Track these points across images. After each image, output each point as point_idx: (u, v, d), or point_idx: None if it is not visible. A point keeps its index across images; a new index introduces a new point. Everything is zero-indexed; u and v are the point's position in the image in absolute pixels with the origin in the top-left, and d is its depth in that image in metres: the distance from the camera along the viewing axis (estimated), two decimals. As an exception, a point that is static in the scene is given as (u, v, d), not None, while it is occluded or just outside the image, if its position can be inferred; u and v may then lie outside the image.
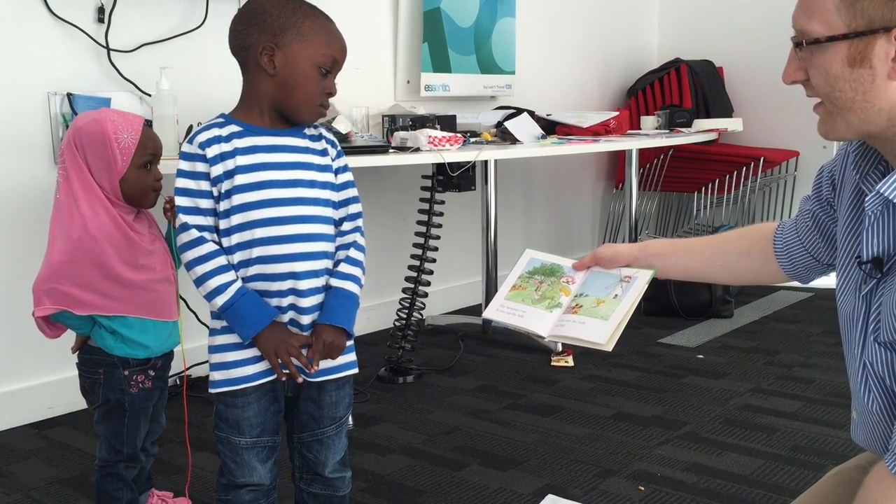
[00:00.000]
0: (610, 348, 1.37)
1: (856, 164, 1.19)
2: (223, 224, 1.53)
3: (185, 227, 1.52)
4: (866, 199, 1.10)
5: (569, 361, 3.31)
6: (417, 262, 3.22)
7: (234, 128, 1.55)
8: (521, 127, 3.58)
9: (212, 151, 1.52)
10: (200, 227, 1.52)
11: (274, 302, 1.56)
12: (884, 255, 1.13)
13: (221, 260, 1.53)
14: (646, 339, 3.59)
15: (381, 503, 2.17)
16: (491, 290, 3.72)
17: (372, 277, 3.81)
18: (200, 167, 1.52)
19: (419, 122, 3.29)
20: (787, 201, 5.00)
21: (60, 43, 2.75)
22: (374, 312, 3.77)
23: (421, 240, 3.23)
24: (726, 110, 5.04)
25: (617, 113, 4.15)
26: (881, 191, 1.07)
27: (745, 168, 4.70)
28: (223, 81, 3.16)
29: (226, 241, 1.54)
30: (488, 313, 1.51)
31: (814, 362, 3.25)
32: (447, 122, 3.41)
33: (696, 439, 2.54)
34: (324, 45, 1.54)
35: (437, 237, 3.26)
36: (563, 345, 3.42)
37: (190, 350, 3.14)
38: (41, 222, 2.74)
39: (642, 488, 2.22)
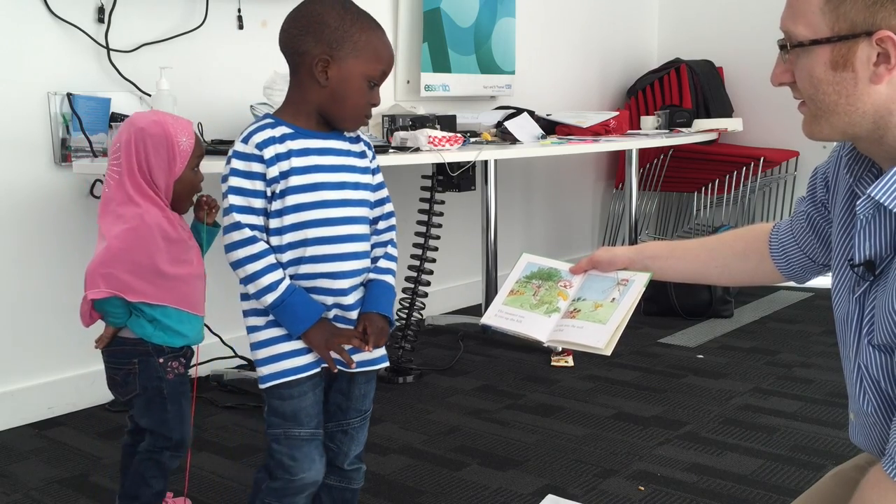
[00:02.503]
0: (609, 352, 1.37)
1: (849, 167, 1.19)
2: (274, 223, 1.56)
3: (238, 226, 1.53)
4: (857, 203, 1.11)
5: (569, 361, 3.31)
6: (417, 262, 3.22)
7: (285, 129, 1.56)
8: (521, 127, 3.58)
9: (269, 153, 1.54)
10: (252, 227, 1.55)
11: (320, 299, 1.60)
12: (876, 258, 1.13)
13: (271, 258, 1.55)
14: (646, 339, 3.59)
15: (381, 503, 2.17)
16: (491, 290, 3.72)
17: (372, 277, 3.81)
18: (256, 167, 1.54)
19: (419, 122, 3.29)
20: (787, 201, 5.00)
21: (60, 43, 2.75)
22: (374, 312, 3.77)
23: (421, 240, 3.23)
24: (726, 110, 5.04)
25: (617, 113, 4.15)
26: (872, 194, 1.07)
27: (745, 168, 4.70)
28: (223, 81, 3.17)
29: (276, 241, 1.57)
30: (486, 319, 1.51)
31: (814, 362, 3.25)
32: (447, 122, 3.41)
33: (696, 439, 2.54)
34: (376, 60, 1.56)
35: (437, 237, 3.26)
36: (563, 345, 3.42)
37: (190, 350, 3.15)
38: (41, 222, 2.75)
39: (642, 488, 2.22)
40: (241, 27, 3.18)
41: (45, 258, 2.77)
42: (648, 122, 4.47)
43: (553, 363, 3.31)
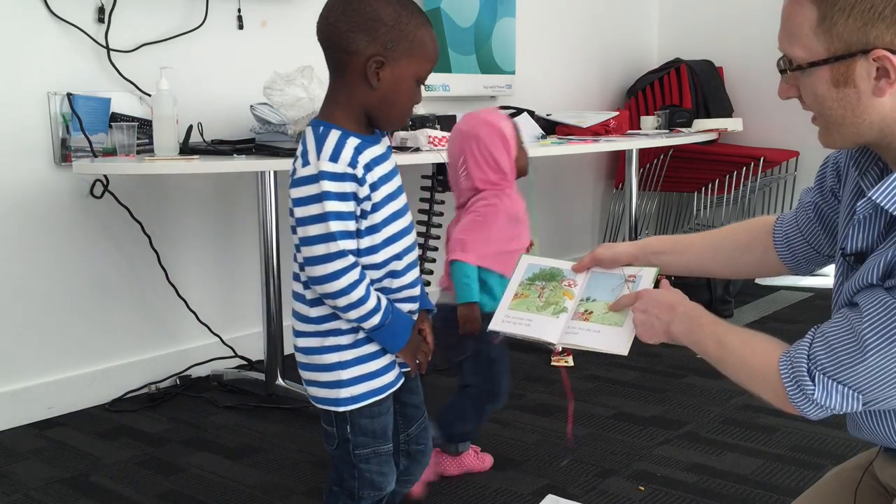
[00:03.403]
0: (627, 353, 1.38)
1: (855, 160, 1.21)
2: (366, 242, 1.48)
3: (343, 254, 1.44)
4: (858, 203, 1.12)
5: (569, 361, 3.31)
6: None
7: (355, 139, 1.45)
8: (521, 127, 3.56)
9: (359, 169, 1.44)
10: (353, 252, 1.47)
11: (404, 308, 1.58)
12: (866, 250, 1.15)
13: (368, 279, 1.49)
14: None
15: (381, 503, 2.17)
16: (491, 290, 3.72)
17: (372, 277, 3.81)
18: (349, 187, 1.43)
19: (419, 122, 3.29)
20: (787, 201, 5.00)
21: (60, 43, 2.75)
22: (374, 312, 3.77)
23: (421, 240, 3.23)
24: (726, 110, 5.04)
25: (617, 113, 4.15)
26: (872, 197, 1.09)
27: (745, 168, 4.69)
28: (223, 81, 3.17)
29: (369, 259, 1.49)
30: (494, 325, 1.50)
31: (814, 362, 3.25)
32: (447, 122, 3.40)
33: (696, 439, 2.54)
34: (427, 60, 1.48)
35: (437, 237, 3.26)
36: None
37: (189, 350, 3.15)
38: (41, 222, 2.75)
39: (642, 488, 2.22)
40: (241, 27, 3.18)
41: (45, 258, 2.77)
42: (648, 122, 4.47)
43: (553, 363, 3.31)
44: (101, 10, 2.81)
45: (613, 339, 1.38)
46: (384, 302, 1.51)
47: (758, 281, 4.57)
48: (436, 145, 3.05)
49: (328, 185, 1.41)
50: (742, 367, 1.22)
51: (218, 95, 3.13)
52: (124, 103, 2.88)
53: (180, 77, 2.86)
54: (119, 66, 2.86)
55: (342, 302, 1.46)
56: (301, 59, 3.10)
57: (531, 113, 3.88)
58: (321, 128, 1.46)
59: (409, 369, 1.61)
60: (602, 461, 2.39)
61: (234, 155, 2.70)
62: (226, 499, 2.21)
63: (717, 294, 3.91)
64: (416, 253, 1.59)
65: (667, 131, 4.39)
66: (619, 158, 5.01)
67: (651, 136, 4.20)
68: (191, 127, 2.85)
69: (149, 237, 2.99)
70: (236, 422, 2.74)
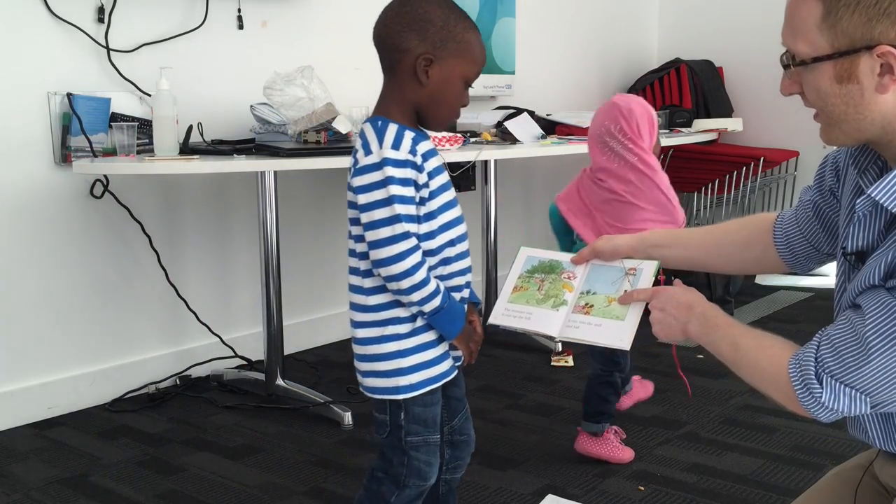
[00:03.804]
0: (629, 348, 1.37)
1: (854, 158, 1.21)
2: (425, 228, 1.54)
3: (407, 236, 1.50)
4: (857, 200, 1.12)
5: (569, 361, 3.31)
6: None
7: (411, 133, 1.53)
8: (521, 127, 3.58)
9: (419, 157, 1.52)
10: (416, 235, 1.52)
11: (456, 296, 1.61)
12: (867, 249, 1.15)
13: (428, 264, 1.54)
14: (646, 339, 3.58)
15: (381, 503, 2.17)
16: (491, 289, 3.72)
17: (372, 277, 3.81)
18: (410, 173, 1.51)
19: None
20: (787, 201, 5.00)
21: (60, 43, 2.75)
22: (374, 312, 3.77)
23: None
24: (726, 110, 5.04)
25: (617, 113, 4.14)
26: (871, 195, 1.09)
27: (745, 168, 4.69)
28: (223, 81, 3.17)
29: (428, 244, 1.55)
30: (494, 319, 1.50)
31: (814, 362, 3.24)
32: (447, 122, 3.40)
33: (696, 439, 2.54)
34: (474, 62, 1.55)
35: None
36: (563, 344, 3.42)
37: (189, 350, 3.15)
38: (41, 222, 2.75)
39: (642, 488, 2.22)
40: (241, 27, 3.18)
41: (45, 258, 2.77)
42: (648, 122, 4.46)
43: (553, 363, 3.31)
44: (101, 10, 2.81)
45: (615, 333, 1.38)
46: (442, 287, 1.55)
47: (758, 280, 4.57)
48: (436, 145, 3.04)
49: (392, 171, 1.49)
50: (755, 370, 1.21)
51: (218, 95, 3.13)
52: (124, 103, 2.88)
53: (180, 77, 2.86)
54: (119, 66, 2.86)
55: (406, 283, 1.50)
56: (301, 59, 3.11)
57: (531, 113, 3.87)
58: (379, 122, 1.54)
59: (461, 362, 1.64)
60: (602, 461, 2.39)
61: (234, 155, 2.70)
62: (226, 499, 2.21)
63: (716, 294, 3.91)
64: (467, 244, 1.63)
65: (667, 131, 4.39)
66: (619, 158, 5.00)
67: (651, 136, 4.19)
68: (191, 127, 2.84)
69: (149, 237, 2.99)
70: (236, 422, 2.74)
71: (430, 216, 1.54)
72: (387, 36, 1.53)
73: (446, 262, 1.58)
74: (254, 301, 3.11)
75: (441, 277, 1.57)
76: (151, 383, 3.00)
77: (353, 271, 1.59)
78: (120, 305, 2.97)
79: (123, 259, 2.97)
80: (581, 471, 2.33)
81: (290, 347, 3.19)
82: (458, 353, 1.63)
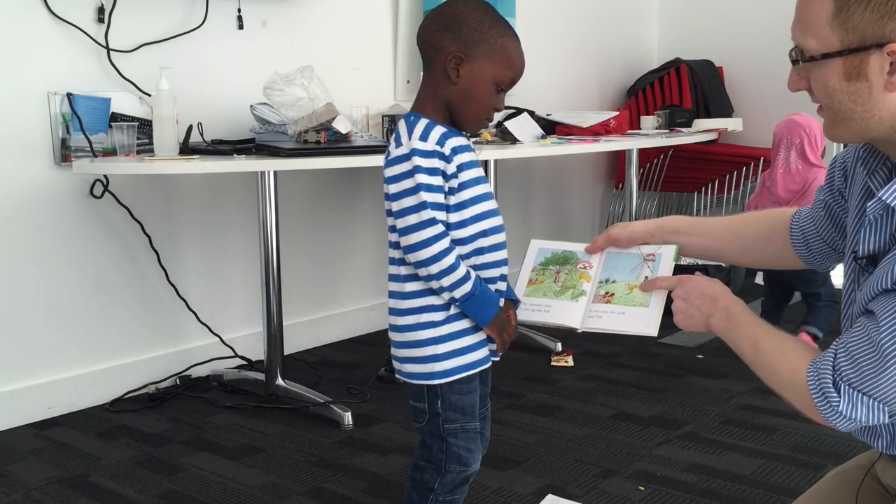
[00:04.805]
0: (656, 334, 1.36)
1: (864, 160, 1.20)
2: (455, 218, 1.58)
3: (434, 222, 1.54)
4: (868, 203, 1.11)
5: (569, 361, 3.31)
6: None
7: (441, 128, 1.58)
8: (521, 127, 3.58)
9: (447, 149, 1.57)
10: (443, 222, 1.57)
11: (491, 287, 1.63)
12: (879, 252, 1.14)
13: (457, 251, 1.57)
14: (646, 339, 3.58)
15: (380, 503, 2.17)
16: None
17: (372, 277, 3.81)
18: (438, 163, 1.56)
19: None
20: (787, 201, 5.00)
21: (60, 43, 2.75)
22: (375, 312, 3.77)
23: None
24: (726, 110, 5.04)
25: (617, 113, 4.15)
26: (882, 198, 1.08)
27: (745, 168, 4.69)
28: (223, 81, 3.17)
29: (458, 234, 1.58)
30: None
31: (814, 362, 3.24)
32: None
33: (696, 439, 2.54)
34: (507, 67, 1.59)
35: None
36: (563, 344, 3.42)
37: (189, 350, 3.15)
38: (41, 222, 2.75)
39: (642, 488, 2.22)
40: (241, 27, 3.18)
41: (45, 258, 2.77)
42: (648, 122, 4.47)
43: (553, 363, 3.31)
44: (101, 10, 2.81)
45: (641, 321, 1.36)
46: (473, 274, 1.58)
47: (758, 280, 4.57)
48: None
49: (419, 161, 1.54)
50: (773, 373, 1.21)
51: (218, 95, 3.13)
52: (124, 103, 2.88)
53: (180, 77, 2.86)
54: (119, 66, 2.86)
55: (435, 269, 1.54)
56: (301, 59, 3.11)
57: (531, 113, 3.87)
58: (412, 117, 1.60)
59: (496, 355, 1.66)
60: (602, 461, 2.39)
61: (234, 155, 2.69)
62: (226, 499, 2.21)
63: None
64: (502, 236, 1.64)
65: (667, 131, 4.39)
66: (619, 158, 5.01)
67: (651, 136, 4.19)
68: (191, 127, 2.84)
69: (149, 237, 2.99)
70: (236, 422, 2.74)
71: (461, 206, 1.58)
72: (426, 34, 1.60)
73: (479, 251, 1.61)
74: (254, 301, 3.11)
75: (475, 268, 1.60)
76: (151, 383, 3.00)
77: (392, 261, 1.63)
78: (120, 305, 2.97)
79: (123, 259, 2.97)
80: (581, 471, 2.33)
81: (290, 347, 3.19)
82: (494, 345, 1.66)
